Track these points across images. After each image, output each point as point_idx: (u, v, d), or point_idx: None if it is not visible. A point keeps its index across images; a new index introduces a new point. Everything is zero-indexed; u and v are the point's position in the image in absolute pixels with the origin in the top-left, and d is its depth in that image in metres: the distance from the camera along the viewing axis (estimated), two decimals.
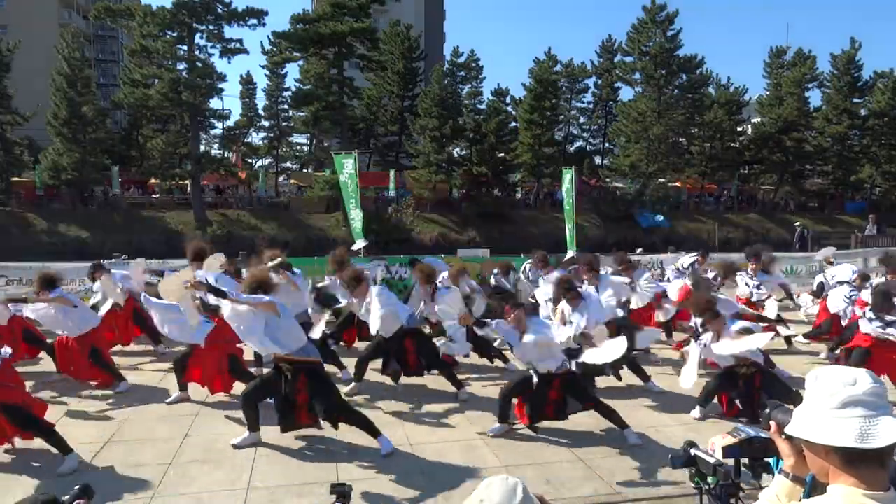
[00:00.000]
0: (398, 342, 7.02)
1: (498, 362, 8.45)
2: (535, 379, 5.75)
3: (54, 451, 5.37)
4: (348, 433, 5.91)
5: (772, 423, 1.76)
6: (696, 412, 6.56)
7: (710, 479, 2.19)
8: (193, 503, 4.69)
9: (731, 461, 2.18)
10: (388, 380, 7.53)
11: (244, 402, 5.71)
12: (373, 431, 5.56)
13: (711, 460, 2.18)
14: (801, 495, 1.67)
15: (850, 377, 1.44)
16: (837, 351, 8.40)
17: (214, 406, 6.82)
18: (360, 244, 13.15)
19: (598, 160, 46.81)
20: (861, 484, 1.38)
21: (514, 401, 6.00)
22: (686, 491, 4.40)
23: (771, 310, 8.66)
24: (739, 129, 44.03)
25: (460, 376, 7.74)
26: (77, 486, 2.13)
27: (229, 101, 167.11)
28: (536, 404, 5.78)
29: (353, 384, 7.25)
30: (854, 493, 1.38)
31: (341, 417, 5.59)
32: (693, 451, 2.27)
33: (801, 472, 1.65)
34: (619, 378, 7.59)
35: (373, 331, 6.90)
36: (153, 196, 39.97)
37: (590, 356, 5.72)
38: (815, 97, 45.38)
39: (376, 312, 6.66)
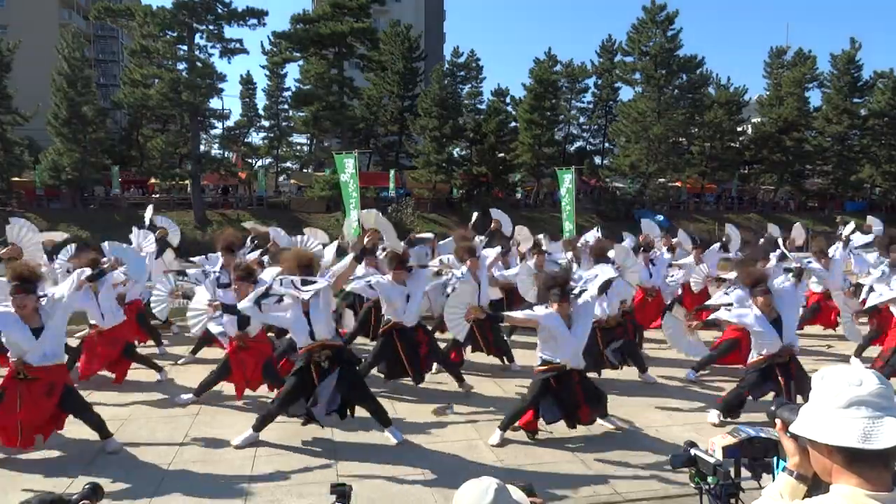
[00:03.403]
0: (408, 342, 6.98)
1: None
2: (552, 382, 5.60)
3: (56, 451, 5.40)
4: (348, 433, 5.91)
5: (777, 421, 1.76)
6: (714, 416, 6.28)
7: (710, 479, 2.19)
8: (193, 503, 4.69)
9: (731, 461, 2.18)
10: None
11: (278, 407, 5.60)
12: (385, 420, 5.73)
13: (711, 460, 2.17)
14: (804, 494, 1.67)
15: (856, 377, 1.43)
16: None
17: (214, 406, 6.82)
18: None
19: (598, 160, 46.81)
20: (864, 484, 1.38)
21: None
22: (686, 491, 4.40)
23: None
24: (739, 129, 44.06)
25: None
26: (87, 485, 2.11)
27: (229, 101, 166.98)
28: (566, 410, 5.63)
29: None
30: (857, 492, 1.38)
31: (359, 403, 5.69)
32: (693, 451, 2.26)
33: (805, 470, 1.65)
34: (620, 367, 7.57)
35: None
36: (153, 196, 39.98)
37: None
38: (815, 97, 45.46)
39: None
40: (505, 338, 8.63)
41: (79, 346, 7.78)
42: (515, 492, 1.78)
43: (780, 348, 5.96)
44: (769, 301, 5.96)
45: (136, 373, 8.14)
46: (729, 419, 6.15)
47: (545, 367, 5.64)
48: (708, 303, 8.23)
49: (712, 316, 6.56)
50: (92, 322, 7.35)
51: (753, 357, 6.18)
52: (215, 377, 6.81)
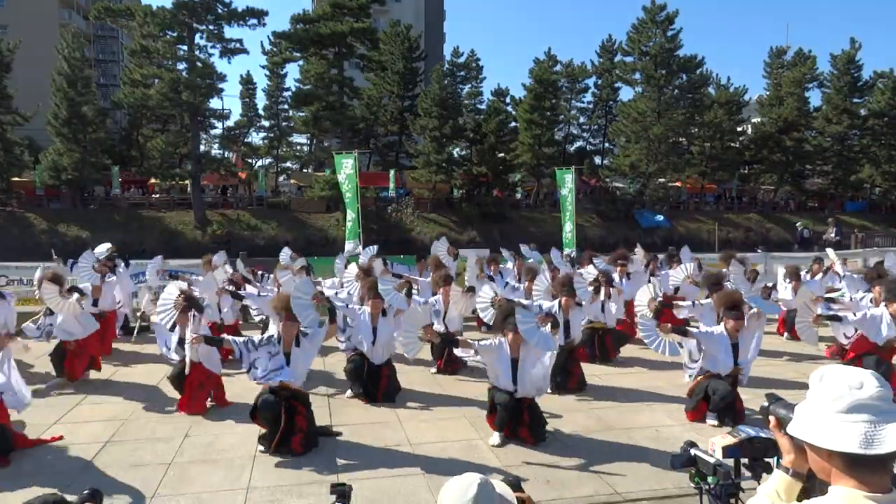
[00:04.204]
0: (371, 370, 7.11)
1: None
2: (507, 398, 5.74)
3: (55, 451, 5.41)
4: (349, 434, 5.91)
5: (771, 418, 1.74)
6: (713, 419, 6.30)
7: (710, 479, 2.18)
8: (193, 503, 4.69)
9: (731, 461, 2.18)
10: None
11: (257, 418, 5.68)
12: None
13: (711, 460, 2.17)
14: (800, 491, 1.66)
15: (857, 380, 1.40)
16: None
17: (214, 406, 6.82)
18: (350, 246, 13.20)
19: (598, 160, 46.79)
20: (863, 486, 1.37)
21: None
22: (686, 491, 4.40)
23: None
24: (739, 129, 44.02)
25: (459, 376, 7.80)
26: (86, 490, 2.10)
27: (229, 101, 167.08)
28: (513, 424, 5.80)
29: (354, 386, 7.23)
30: (855, 494, 1.37)
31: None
32: (693, 451, 2.26)
33: (800, 467, 1.64)
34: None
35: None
36: (153, 196, 39.98)
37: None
38: (815, 97, 45.43)
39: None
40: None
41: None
42: (499, 486, 1.78)
43: (730, 370, 6.21)
44: (739, 327, 6.17)
45: (137, 374, 8.14)
46: (729, 423, 6.17)
47: (494, 389, 5.84)
48: (677, 312, 8.39)
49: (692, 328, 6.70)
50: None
51: (699, 375, 6.35)
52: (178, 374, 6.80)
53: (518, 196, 43.70)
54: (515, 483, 1.95)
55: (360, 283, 8.61)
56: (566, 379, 7.36)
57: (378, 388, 7.06)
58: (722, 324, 6.25)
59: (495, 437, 5.75)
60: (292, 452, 5.49)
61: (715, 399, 6.19)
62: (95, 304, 8.89)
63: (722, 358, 6.19)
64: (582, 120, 47.14)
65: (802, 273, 10.58)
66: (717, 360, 6.24)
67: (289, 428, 5.53)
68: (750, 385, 6.59)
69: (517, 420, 5.77)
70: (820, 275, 10.80)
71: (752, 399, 6.38)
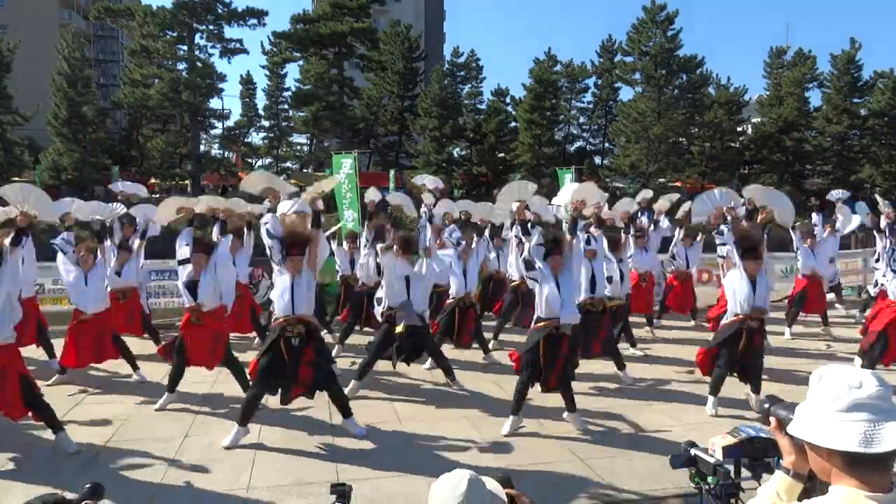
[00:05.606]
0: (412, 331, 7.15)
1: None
2: (540, 350, 5.88)
3: (55, 451, 5.41)
4: (349, 433, 5.91)
5: (771, 419, 1.74)
6: (710, 407, 6.49)
7: (710, 479, 2.18)
8: (193, 503, 4.69)
9: (731, 461, 2.18)
10: (388, 378, 7.57)
11: (254, 391, 5.67)
12: (346, 411, 5.90)
13: (711, 460, 2.17)
14: (801, 492, 1.66)
15: (856, 379, 1.41)
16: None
17: (214, 405, 6.82)
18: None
19: (598, 160, 46.79)
20: (863, 486, 1.37)
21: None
22: (686, 491, 4.40)
23: None
24: (739, 129, 44.01)
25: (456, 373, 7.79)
26: (87, 485, 2.09)
27: (229, 101, 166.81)
28: (547, 374, 5.98)
29: (354, 383, 7.19)
30: (855, 494, 1.37)
31: (329, 387, 5.84)
32: (693, 451, 2.26)
33: (801, 468, 1.64)
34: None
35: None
36: (153, 196, 39.95)
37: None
38: (815, 97, 45.37)
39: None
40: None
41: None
42: (490, 482, 1.78)
43: (752, 309, 6.38)
44: (757, 266, 6.43)
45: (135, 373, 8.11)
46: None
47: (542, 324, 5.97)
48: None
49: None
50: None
51: (728, 318, 6.60)
52: (177, 366, 6.72)
53: None
54: (506, 479, 1.94)
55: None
56: (591, 342, 7.45)
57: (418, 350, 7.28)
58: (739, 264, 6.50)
59: (506, 427, 5.92)
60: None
61: (714, 381, 6.52)
62: (119, 274, 8.54)
63: (745, 297, 6.38)
64: (582, 120, 47.14)
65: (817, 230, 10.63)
66: (740, 301, 6.43)
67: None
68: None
69: (554, 363, 5.92)
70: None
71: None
